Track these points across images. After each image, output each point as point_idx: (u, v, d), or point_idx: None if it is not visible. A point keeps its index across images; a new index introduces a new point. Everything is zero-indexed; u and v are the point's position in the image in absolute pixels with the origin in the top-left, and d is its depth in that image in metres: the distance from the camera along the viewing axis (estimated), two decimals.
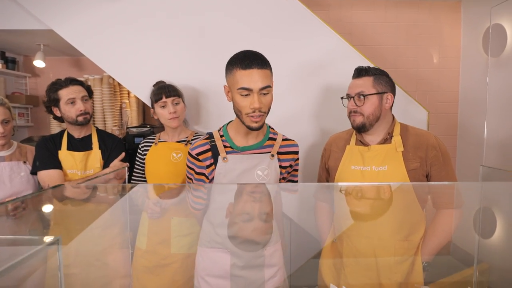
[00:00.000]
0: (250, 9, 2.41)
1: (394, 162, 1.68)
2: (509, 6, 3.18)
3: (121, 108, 3.29)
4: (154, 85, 2.28)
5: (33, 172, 2.08)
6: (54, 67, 3.89)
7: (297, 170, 1.77)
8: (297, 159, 1.71)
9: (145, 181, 2.24)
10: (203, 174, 1.59)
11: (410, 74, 3.89)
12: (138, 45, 2.42)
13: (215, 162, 1.56)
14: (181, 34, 2.42)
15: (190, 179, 1.66)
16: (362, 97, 1.72)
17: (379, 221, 1.70)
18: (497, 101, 3.32)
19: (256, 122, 1.45)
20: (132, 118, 3.29)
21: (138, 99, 3.49)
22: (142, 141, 2.26)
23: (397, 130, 1.74)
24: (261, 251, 1.61)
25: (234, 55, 1.46)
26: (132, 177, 2.27)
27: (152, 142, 2.20)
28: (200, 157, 1.57)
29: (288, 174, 1.73)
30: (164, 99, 2.06)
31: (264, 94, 1.42)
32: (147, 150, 2.19)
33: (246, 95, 1.41)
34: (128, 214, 1.98)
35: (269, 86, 1.42)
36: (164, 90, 2.09)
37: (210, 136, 1.61)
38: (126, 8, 2.40)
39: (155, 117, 2.22)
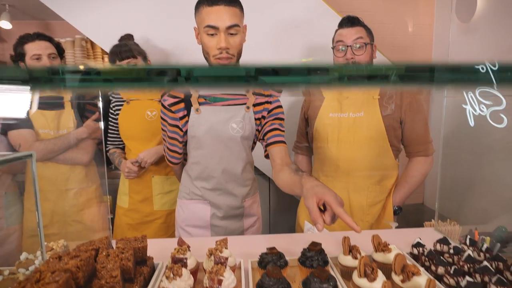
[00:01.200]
0: None
1: (370, 108, 1.76)
2: None
3: None
4: (120, 40, 2.16)
5: (3, 132, 2.02)
6: (21, 32, 3.69)
7: (281, 120, 1.62)
8: (274, 108, 1.60)
9: (121, 142, 2.19)
10: (176, 126, 1.55)
11: (386, 41, 3.95)
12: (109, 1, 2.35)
13: (188, 114, 1.52)
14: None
15: (165, 131, 1.62)
16: (363, 45, 1.72)
17: (353, 168, 1.79)
18: None
19: (225, 59, 1.37)
20: None
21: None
22: (113, 100, 2.15)
23: None
24: (240, 203, 1.67)
25: None
26: (107, 139, 2.22)
27: (124, 101, 2.12)
28: (173, 108, 1.52)
29: (262, 125, 1.62)
30: (117, 63, 1.96)
31: (232, 34, 1.34)
32: (119, 109, 2.12)
33: (212, 34, 1.34)
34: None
35: (237, 25, 1.34)
36: (119, 49, 1.95)
37: None
38: None
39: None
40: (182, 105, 1.53)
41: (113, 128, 2.18)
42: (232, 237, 1.52)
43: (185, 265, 0.97)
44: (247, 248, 1.32)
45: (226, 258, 0.97)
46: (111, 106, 2.16)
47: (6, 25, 3.20)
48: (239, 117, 1.53)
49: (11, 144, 2.00)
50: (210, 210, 1.65)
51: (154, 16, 2.41)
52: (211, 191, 1.63)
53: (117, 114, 2.13)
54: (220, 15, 1.30)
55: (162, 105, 1.56)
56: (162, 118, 1.60)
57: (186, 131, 1.55)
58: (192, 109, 1.51)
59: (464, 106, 1.72)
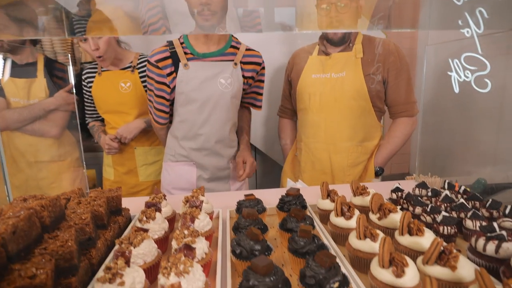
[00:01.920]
0: None
1: (352, 68, 1.73)
2: None
3: (72, 44, 3.09)
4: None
5: None
6: None
7: (262, 82, 1.75)
8: (262, 69, 1.68)
9: (97, 113, 2.11)
10: (164, 83, 1.54)
11: None
12: None
13: (176, 70, 1.51)
14: None
15: (151, 90, 1.60)
16: (347, 4, 1.62)
17: (334, 129, 1.78)
18: None
19: (207, 20, 1.39)
20: (86, 54, 3.11)
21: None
22: (84, 72, 2.03)
23: (359, 39, 1.76)
24: (227, 163, 1.67)
25: None
26: (85, 112, 2.14)
27: (95, 72, 2.00)
28: (160, 64, 1.51)
29: (250, 86, 1.72)
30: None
31: None
32: (92, 81, 2.00)
33: None
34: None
35: None
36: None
37: (170, 43, 1.55)
38: None
39: (81, 49, 2.06)
40: (169, 61, 1.51)
41: (89, 101, 2.08)
42: (216, 193, 1.51)
43: (158, 209, 0.95)
44: (229, 202, 1.30)
45: (201, 201, 0.96)
46: (83, 78, 2.05)
47: None
48: (227, 73, 1.53)
49: None
50: (196, 171, 1.65)
51: None
52: (198, 151, 1.61)
53: (90, 86, 2.01)
54: None
55: (149, 62, 1.54)
56: (148, 77, 1.57)
57: (174, 88, 1.54)
58: (180, 64, 1.50)
59: (449, 73, 1.71)
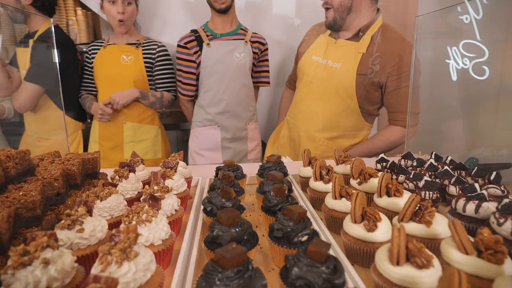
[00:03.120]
0: None
1: (349, 62, 1.65)
2: None
3: (67, 25, 3.07)
4: None
5: None
6: None
7: (267, 61, 2.09)
8: (264, 50, 2.03)
9: (94, 88, 2.14)
10: (191, 60, 1.93)
11: None
12: None
13: (200, 49, 1.91)
14: None
15: (180, 69, 1.97)
16: None
17: (313, 116, 1.74)
18: None
19: (222, 3, 1.81)
20: (81, 36, 3.08)
21: (87, 16, 3.26)
22: (90, 45, 2.13)
23: (372, 30, 1.64)
24: (244, 125, 2.01)
25: None
26: (82, 85, 2.16)
27: (101, 46, 2.09)
28: (188, 45, 1.91)
29: (258, 61, 2.05)
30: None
31: None
32: (95, 53, 2.08)
33: None
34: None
35: None
36: None
37: (194, 31, 1.96)
38: None
39: (102, 13, 2.08)
40: (195, 42, 1.92)
41: (88, 73, 2.14)
42: (209, 166, 1.50)
43: (133, 170, 0.93)
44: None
45: (177, 163, 0.93)
46: (87, 50, 2.13)
47: None
48: (241, 48, 1.93)
49: None
50: (220, 133, 1.98)
51: None
52: (221, 114, 1.96)
53: (93, 58, 2.08)
54: None
55: (178, 45, 1.94)
56: (178, 58, 1.96)
57: (199, 63, 1.92)
58: (204, 44, 1.91)
59: (447, 61, 1.67)
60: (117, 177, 0.87)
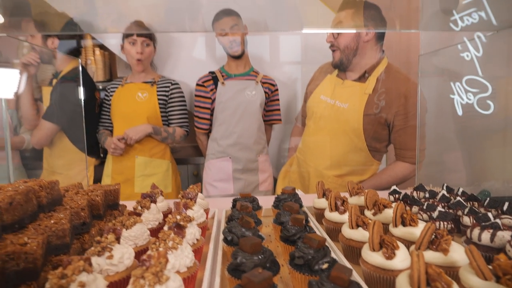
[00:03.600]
0: None
1: (356, 103, 1.71)
2: None
3: (86, 64, 3.26)
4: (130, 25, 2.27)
5: None
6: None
7: (278, 100, 2.26)
8: (274, 90, 2.21)
9: (111, 124, 2.23)
10: (208, 97, 2.13)
11: None
12: None
13: (215, 87, 2.12)
14: None
15: (198, 105, 2.16)
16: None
17: (321, 155, 1.80)
18: None
19: (236, 51, 2.08)
20: (98, 74, 3.25)
21: (104, 56, 3.45)
22: (109, 84, 2.27)
23: (378, 70, 1.73)
24: (255, 157, 2.12)
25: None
26: (100, 121, 2.27)
27: (119, 84, 2.22)
28: (205, 84, 2.13)
29: (269, 101, 2.22)
30: (135, 37, 2.10)
31: (234, 31, 2.04)
32: (114, 91, 2.21)
33: (224, 35, 2.07)
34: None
35: (236, 25, 2.04)
36: (138, 29, 2.11)
37: (212, 72, 2.18)
38: None
39: (122, 53, 2.22)
40: (211, 81, 2.13)
41: (106, 109, 2.25)
42: (219, 199, 1.53)
43: (153, 201, 0.97)
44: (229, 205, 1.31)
45: (196, 194, 0.97)
46: (106, 89, 2.27)
47: None
48: (252, 87, 2.12)
49: None
50: (232, 165, 2.10)
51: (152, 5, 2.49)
52: (232, 146, 2.09)
53: (111, 95, 2.21)
54: (226, 22, 2.03)
55: (197, 84, 2.16)
56: (196, 95, 2.17)
57: (214, 99, 2.12)
58: (219, 83, 2.11)
59: (452, 96, 1.75)
60: (139, 208, 0.91)
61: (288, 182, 2.07)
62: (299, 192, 1.74)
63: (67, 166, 2.24)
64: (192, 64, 2.57)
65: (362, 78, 1.75)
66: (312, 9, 2.46)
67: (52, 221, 0.74)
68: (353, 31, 1.76)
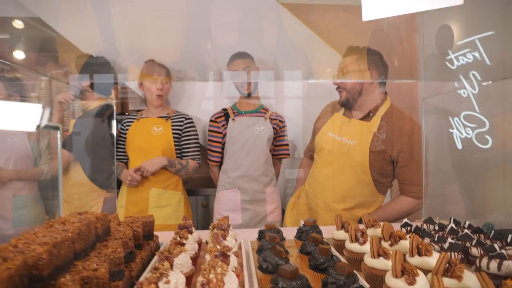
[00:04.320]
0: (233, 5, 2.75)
1: (362, 140, 1.85)
2: (456, 8, 3.67)
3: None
4: (146, 62, 2.45)
5: None
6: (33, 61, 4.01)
7: (286, 136, 2.44)
8: (282, 126, 2.39)
9: (126, 157, 2.35)
10: (219, 132, 2.34)
11: None
12: (127, 28, 2.63)
13: (227, 123, 2.32)
14: (174, 20, 2.68)
15: (211, 140, 2.37)
16: (348, 71, 1.91)
17: (330, 188, 1.91)
18: None
19: (247, 89, 2.30)
20: (117, 107, 3.44)
21: (117, 90, 3.64)
22: (125, 118, 2.41)
23: (381, 110, 1.88)
24: (263, 188, 2.26)
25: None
26: (116, 156, 2.38)
27: (135, 119, 2.36)
28: (218, 120, 2.35)
29: (277, 136, 2.38)
30: (155, 76, 2.28)
31: (247, 72, 2.30)
32: (129, 125, 2.35)
33: (237, 76, 2.30)
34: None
35: (249, 67, 2.28)
36: (157, 68, 2.31)
37: (224, 109, 2.40)
38: None
39: (140, 89, 2.38)
40: (223, 117, 2.35)
41: (121, 143, 2.38)
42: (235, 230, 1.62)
43: (190, 232, 1.07)
44: (244, 236, 1.41)
45: (228, 226, 1.08)
46: (122, 123, 2.41)
47: (20, 54, 3.44)
48: (260, 123, 2.30)
49: None
50: (240, 196, 2.24)
51: (167, 39, 2.70)
52: (241, 178, 2.24)
53: (127, 129, 2.35)
54: (239, 64, 2.28)
55: (211, 120, 2.38)
56: (209, 130, 2.38)
57: (225, 134, 2.31)
58: (230, 119, 2.31)
59: (451, 130, 1.90)
60: (178, 238, 1.02)
61: (296, 213, 2.17)
62: (303, 222, 1.85)
63: (75, 196, 2.34)
64: (204, 100, 2.76)
65: (367, 117, 1.91)
66: (319, 51, 2.72)
67: (109, 250, 0.85)
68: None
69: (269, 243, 1.04)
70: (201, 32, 2.77)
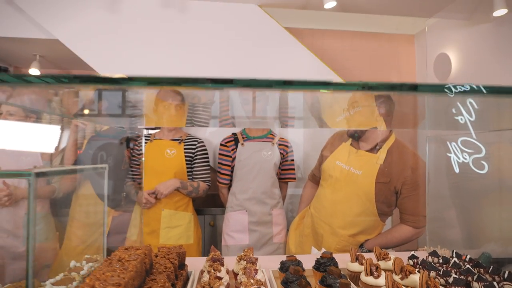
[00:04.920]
0: (238, 32, 2.88)
1: (369, 171, 1.99)
2: (455, 39, 3.90)
3: None
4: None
5: None
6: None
7: (293, 160, 2.60)
8: (289, 151, 2.55)
9: (139, 175, 2.46)
10: (229, 156, 2.50)
11: None
12: (139, 55, 2.76)
13: (236, 147, 2.48)
14: (181, 47, 2.82)
15: (221, 163, 2.52)
16: (354, 109, 2.05)
17: (336, 214, 2.04)
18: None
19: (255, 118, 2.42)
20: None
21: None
22: (138, 138, 2.52)
23: (387, 144, 2.04)
24: (269, 210, 2.40)
25: None
26: (128, 174, 2.50)
27: (148, 140, 2.49)
28: (227, 144, 2.51)
29: (284, 161, 2.52)
30: (170, 101, 2.39)
31: (257, 101, 2.39)
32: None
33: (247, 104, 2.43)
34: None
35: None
36: (170, 94, 2.42)
37: (234, 133, 2.57)
38: (129, 21, 2.76)
39: (155, 114, 2.51)
40: (233, 142, 2.51)
41: (135, 163, 2.49)
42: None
43: (222, 263, 1.19)
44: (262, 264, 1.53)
45: (256, 259, 1.20)
46: (135, 143, 2.51)
47: (35, 72, 3.57)
48: (268, 148, 2.47)
49: None
50: (248, 217, 2.39)
51: (180, 65, 2.85)
52: (248, 200, 2.39)
53: (140, 151, 2.46)
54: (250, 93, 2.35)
55: (221, 144, 2.54)
56: (219, 154, 2.54)
57: (234, 158, 2.47)
58: (239, 144, 2.48)
59: (448, 154, 2.05)
60: (212, 271, 1.14)
61: (299, 235, 2.27)
62: (314, 250, 1.97)
63: (83, 215, 2.44)
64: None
65: (374, 149, 2.06)
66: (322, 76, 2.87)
67: (159, 284, 0.97)
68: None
69: (293, 275, 1.16)
70: (213, 57, 2.92)
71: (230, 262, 1.37)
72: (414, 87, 0.95)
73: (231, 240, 2.41)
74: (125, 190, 2.48)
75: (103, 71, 2.75)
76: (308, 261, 1.41)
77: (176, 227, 2.42)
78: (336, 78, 3.09)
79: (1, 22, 2.78)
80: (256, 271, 1.10)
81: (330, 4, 3.03)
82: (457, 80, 3.82)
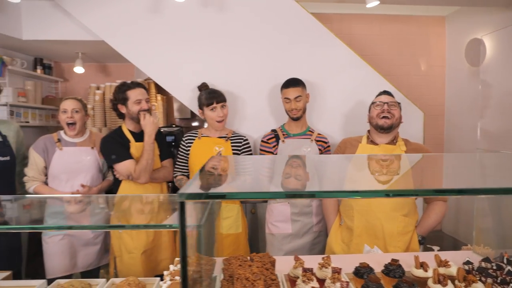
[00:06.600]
0: (276, 27, 2.98)
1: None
2: (489, 23, 3.90)
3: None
4: (200, 88, 2.73)
5: (110, 165, 2.47)
6: (90, 73, 4.28)
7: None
8: (327, 147, 2.74)
9: (187, 170, 2.66)
10: (271, 152, 2.72)
11: (401, 81, 4.54)
12: (180, 53, 2.87)
13: (277, 144, 2.71)
14: (219, 44, 2.92)
15: None
16: (395, 103, 2.32)
17: (384, 200, 2.23)
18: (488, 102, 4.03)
19: (295, 115, 2.65)
20: (159, 119, 3.69)
21: (164, 102, 3.89)
22: (186, 135, 2.72)
23: (400, 139, 2.33)
24: (310, 202, 2.63)
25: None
26: (175, 167, 2.69)
27: (196, 136, 2.68)
28: (269, 141, 2.73)
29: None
30: (215, 104, 2.58)
31: (298, 101, 2.63)
32: (191, 142, 2.65)
33: (288, 102, 2.66)
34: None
35: (300, 96, 2.63)
36: (215, 95, 2.61)
37: (274, 131, 2.79)
38: (170, 20, 2.84)
39: (202, 117, 2.66)
40: (274, 139, 2.74)
41: (182, 157, 2.69)
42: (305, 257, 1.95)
43: (313, 273, 1.40)
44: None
45: (340, 269, 1.41)
46: (183, 138, 2.71)
47: (79, 70, 3.71)
48: (307, 144, 2.70)
49: (119, 174, 2.48)
50: (290, 209, 2.62)
51: (219, 63, 2.96)
52: None
53: (189, 146, 2.65)
54: (290, 93, 2.63)
55: (262, 140, 2.76)
56: (260, 150, 2.77)
57: (276, 154, 2.67)
58: (280, 141, 2.71)
59: None
60: (306, 280, 1.34)
61: (348, 237, 2.35)
62: (377, 249, 2.17)
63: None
64: (255, 119, 3.10)
65: (392, 142, 2.31)
66: (361, 73, 3.00)
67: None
68: None
69: (373, 283, 1.37)
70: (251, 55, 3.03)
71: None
72: None
73: (275, 229, 2.66)
74: (176, 184, 2.68)
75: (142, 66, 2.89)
76: (354, 262, 1.59)
77: (226, 218, 2.65)
78: (366, 68, 3.19)
79: (47, 25, 2.89)
80: (347, 284, 1.31)
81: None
82: (490, 67, 3.87)
